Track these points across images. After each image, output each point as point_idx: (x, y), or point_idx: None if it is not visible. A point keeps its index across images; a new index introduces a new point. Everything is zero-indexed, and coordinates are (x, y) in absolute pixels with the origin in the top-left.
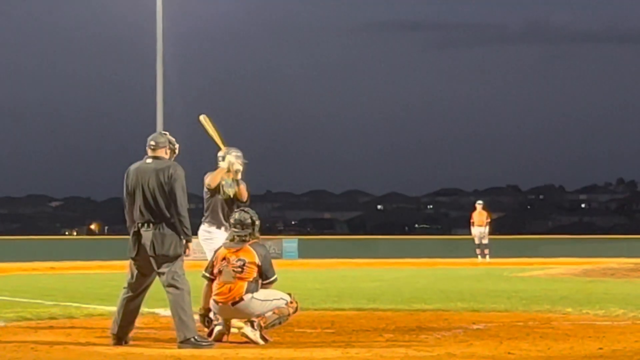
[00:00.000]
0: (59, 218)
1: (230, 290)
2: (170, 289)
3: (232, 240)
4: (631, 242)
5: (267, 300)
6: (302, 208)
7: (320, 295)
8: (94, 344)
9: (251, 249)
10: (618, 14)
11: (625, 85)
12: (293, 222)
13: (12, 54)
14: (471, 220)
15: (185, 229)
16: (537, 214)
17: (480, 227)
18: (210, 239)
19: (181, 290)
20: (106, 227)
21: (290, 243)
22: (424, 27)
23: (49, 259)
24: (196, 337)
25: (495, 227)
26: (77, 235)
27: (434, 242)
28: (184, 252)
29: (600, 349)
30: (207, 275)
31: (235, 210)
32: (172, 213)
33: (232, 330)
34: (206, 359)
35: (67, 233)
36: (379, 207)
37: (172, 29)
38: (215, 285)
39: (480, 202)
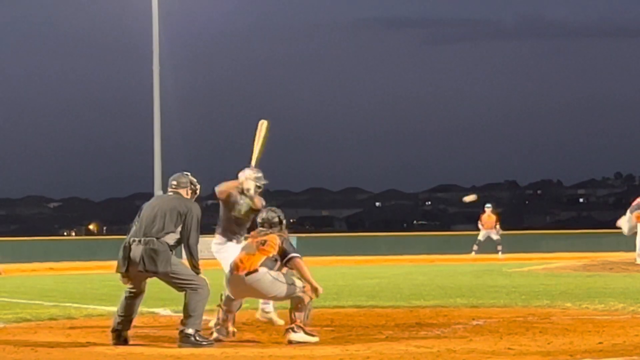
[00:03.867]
0: (58, 219)
1: (248, 260)
2: (188, 292)
3: (257, 234)
4: (629, 236)
5: (278, 280)
6: (300, 206)
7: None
8: (94, 344)
9: (274, 236)
10: (612, 7)
11: (621, 79)
12: (291, 220)
13: (9, 55)
14: (480, 223)
15: (196, 264)
16: (535, 209)
17: (489, 230)
18: (225, 251)
19: (195, 290)
20: (104, 228)
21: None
22: (419, 23)
23: (47, 259)
24: (197, 337)
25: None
26: (75, 235)
27: (433, 239)
28: None
29: (600, 343)
30: None
31: (263, 209)
32: (167, 236)
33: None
34: (206, 358)
35: (65, 234)
36: (377, 204)
37: (168, 30)
38: (236, 259)
39: (489, 205)
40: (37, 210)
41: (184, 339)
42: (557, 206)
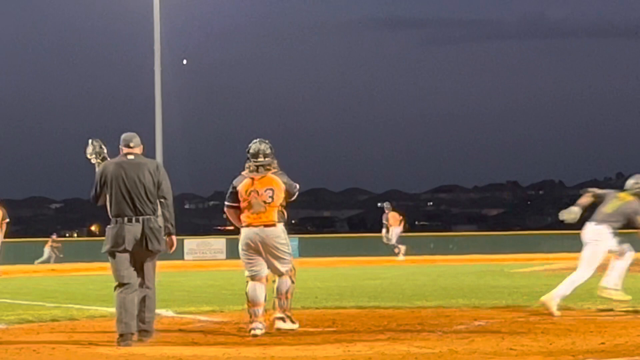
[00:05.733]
0: (60, 220)
1: (262, 217)
2: (152, 281)
3: (255, 170)
4: (631, 236)
5: (288, 246)
6: (301, 207)
7: (321, 294)
8: (96, 345)
9: (275, 177)
10: (613, 8)
11: (623, 79)
12: (293, 221)
13: (11, 57)
14: (386, 222)
15: (172, 223)
16: (537, 209)
17: (394, 227)
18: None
19: (151, 289)
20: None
21: (290, 242)
22: (421, 23)
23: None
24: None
25: (496, 223)
26: (77, 237)
27: (434, 239)
28: (169, 246)
29: (602, 343)
30: (230, 203)
31: (254, 141)
32: (156, 207)
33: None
34: (208, 359)
35: (67, 235)
36: (379, 204)
37: (169, 33)
38: (245, 216)
39: (387, 203)
40: (39, 211)
41: (147, 335)
42: (558, 207)
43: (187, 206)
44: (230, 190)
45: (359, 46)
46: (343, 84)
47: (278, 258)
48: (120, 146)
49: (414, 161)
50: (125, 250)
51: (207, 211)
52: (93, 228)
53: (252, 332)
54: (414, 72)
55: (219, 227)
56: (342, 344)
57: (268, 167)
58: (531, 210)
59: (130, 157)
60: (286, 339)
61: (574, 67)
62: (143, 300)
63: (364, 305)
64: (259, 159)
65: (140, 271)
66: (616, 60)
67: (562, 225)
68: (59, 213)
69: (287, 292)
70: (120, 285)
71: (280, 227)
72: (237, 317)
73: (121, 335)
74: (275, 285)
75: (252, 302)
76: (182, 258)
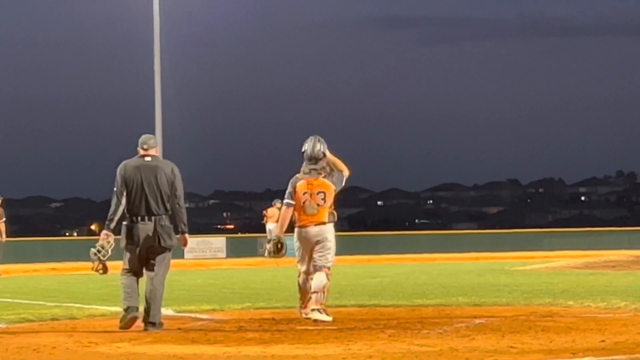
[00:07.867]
0: (60, 219)
1: (315, 218)
2: (160, 275)
3: (308, 173)
4: (631, 234)
5: (333, 244)
6: None
7: None
8: (97, 344)
9: (326, 181)
10: (613, 6)
11: (623, 77)
12: (294, 220)
13: (10, 56)
14: (267, 217)
15: (185, 222)
16: (537, 207)
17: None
18: None
19: (162, 284)
20: None
21: (291, 240)
22: (420, 22)
23: (50, 260)
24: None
25: (496, 221)
26: (77, 236)
27: (435, 237)
28: (183, 244)
29: (603, 341)
30: (290, 201)
31: (310, 139)
32: (169, 207)
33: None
34: (209, 358)
35: (67, 234)
36: (379, 203)
37: (169, 32)
38: (300, 217)
39: (277, 200)
40: (39, 210)
41: (153, 327)
42: (558, 204)
43: (187, 205)
44: (290, 190)
45: (358, 45)
46: (341, 82)
47: (322, 254)
48: (137, 148)
49: (414, 159)
50: (138, 246)
51: (207, 210)
52: (93, 227)
53: (305, 315)
54: (414, 71)
55: (219, 226)
56: (343, 342)
57: (320, 172)
58: (531, 208)
59: (148, 159)
60: (286, 337)
61: (574, 66)
62: (149, 294)
63: (364, 303)
64: (313, 164)
65: (151, 266)
66: (616, 58)
67: (563, 223)
68: (59, 212)
69: (324, 287)
70: (127, 271)
71: (330, 227)
72: (238, 316)
73: (127, 308)
74: (312, 281)
75: (305, 292)
76: (182, 257)
